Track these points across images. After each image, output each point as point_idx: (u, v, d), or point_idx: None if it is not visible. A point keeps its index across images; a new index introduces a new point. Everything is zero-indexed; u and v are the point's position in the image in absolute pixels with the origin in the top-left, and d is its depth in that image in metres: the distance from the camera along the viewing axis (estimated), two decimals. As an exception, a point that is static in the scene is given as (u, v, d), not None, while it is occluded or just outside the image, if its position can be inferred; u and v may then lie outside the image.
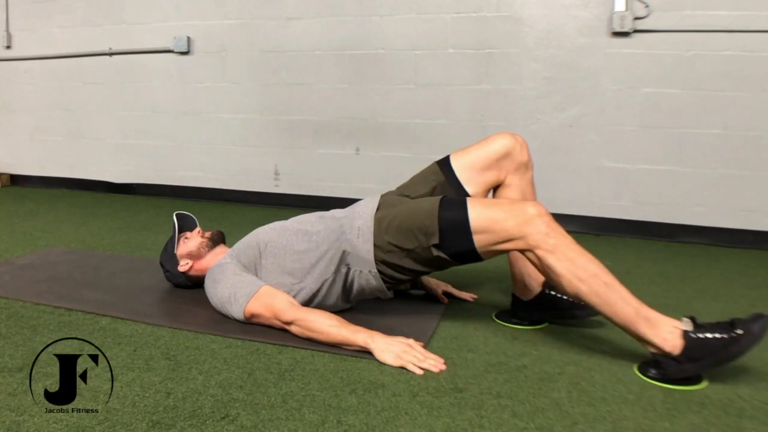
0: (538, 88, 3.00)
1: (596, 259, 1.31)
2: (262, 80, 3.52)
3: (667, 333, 1.26)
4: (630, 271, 2.27)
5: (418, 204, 1.48)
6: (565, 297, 1.56)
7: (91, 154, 4.04)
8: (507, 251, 1.39)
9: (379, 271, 1.49)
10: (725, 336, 1.23)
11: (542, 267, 1.34)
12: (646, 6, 2.77)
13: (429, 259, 1.44)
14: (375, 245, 1.47)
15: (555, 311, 1.60)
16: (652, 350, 1.29)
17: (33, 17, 4.01)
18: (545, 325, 1.63)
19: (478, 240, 1.36)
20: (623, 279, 1.31)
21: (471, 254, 1.40)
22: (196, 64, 3.65)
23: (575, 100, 2.95)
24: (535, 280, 1.60)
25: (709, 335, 1.24)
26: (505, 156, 1.59)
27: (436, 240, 1.40)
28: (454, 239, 1.39)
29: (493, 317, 1.67)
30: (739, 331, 1.22)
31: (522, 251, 1.36)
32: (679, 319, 1.28)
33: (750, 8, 2.65)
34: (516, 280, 1.64)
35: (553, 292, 1.59)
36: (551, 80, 2.97)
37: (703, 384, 1.27)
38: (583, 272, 1.29)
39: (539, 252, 1.31)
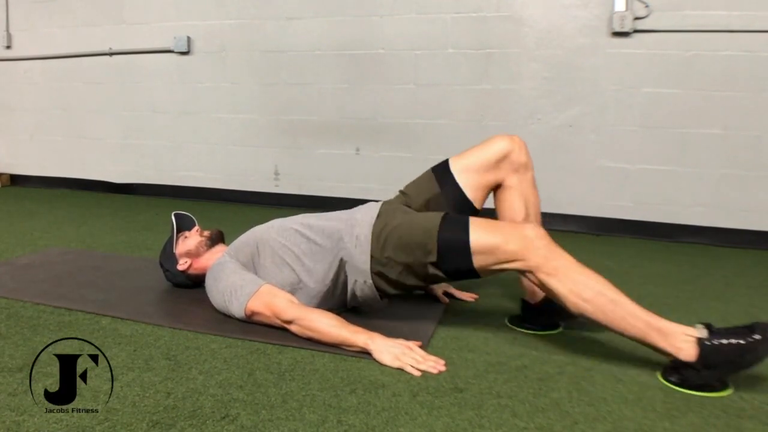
0: (538, 88, 3.00)
1: (599, 276, 1.30)
2: (262, 80, 3.52)
3: (681, 342, 1.23)
4: (630, 271, 2.27)
5: (417, 220, 1.48)
6: None
7: (91, 154, 4.04)
8: (507, 271, 1.39)
9: (374, 283, 1.49)
10: (742, 342, 1.19)
11: (544, 288, 1.35)
12: (646, 6, 2.77)
13: (424, 274, 1.44)
14: (372, 256, 1.47)
15: (563, 313, 1.55)
16: (670, 358, 1.27)
17: (33, 17, 4.01)
18: (559, 330, 1.59)
19: (477, 260, 1.37)
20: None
21: (469, 273, 1.40)
22: (196, 64, 3.65)
23: (575, 100, 2.95)
24: None
25: (724, 341, 1.21)
26: (504, 158, 1.59)
27: (433, 258, 1.40)
28: (452, 259, 1.39)
29: (506, 322, 1.65)
30: (757, 336, 1.18)
31: (521, 271, 1.36)
32: (693, 325, 1.26)
33: (750, 8, 2.65)
34: (524, 284, 1.62)
35: None
36: (551, 80, 2.97)
37: (729, 391, 1.24)
38: (586, 292, 1.28)
39: (540, 275, 1.31)
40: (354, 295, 1.55)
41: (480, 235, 1.37)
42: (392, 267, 1.46)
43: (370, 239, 1.48)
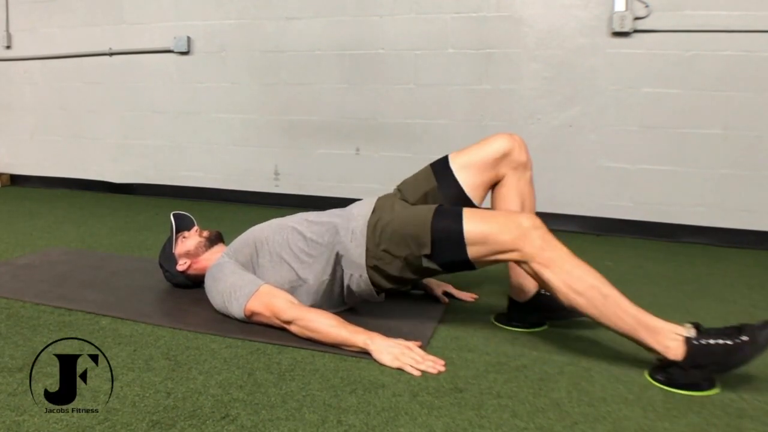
0: (538, 88, 3.00)
1: (593, 270, 1.30)
2: (262, 80, 3.52)
3: (669, 340, 1.24)
4: (630, 271, 2.27)
5: (412, 212, 1.48)
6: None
7: (91, 154, 4.04)
8: (502, 261, 1.39)
9: (369, 277, 1.49)
10: (729, 342, 1.20)
11: (538, 279, 1.35)
12: (646, 6, 2.77)
13: (419, 268, 1.44)
14: (367, 250, 1.47)
15: (550, 311, 1.59)
16: (657, 356, 1.28)
17: (33, 17, 4.01)
18: (545, 327, 1.62)
19: (472, 251, 1.36)
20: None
21: (463, 264, 1.40)
22: (196, 64, 3.65)
23: (575, 100, 2.95)
24: (531, 282, 1.59)
25: (712, 341, 1.22)
26: (504, 157, 1.58)
27: (427, 250, 1.39)
28: (446, 250, 1.39)
29: (492, 320, 1.67)
30: (745, 338, 1.20)
31: (517, 262, 1.36)
32: (682, 324, 1.26)
33: (750, 8, 2.65)
34: (512, 282, 1.63)
35: (548, 293, 1.57)
36: (551, 80, 2.97)
37: (716, 390, 1.24)
38: (579, 285, 1.28)
39: (534, 265, 1.31)
40: (350, 290, 1.55)
41: (474, 225, 1.37)
42: (388, 261, 1.46)
43: (365, 233, 1.49)
